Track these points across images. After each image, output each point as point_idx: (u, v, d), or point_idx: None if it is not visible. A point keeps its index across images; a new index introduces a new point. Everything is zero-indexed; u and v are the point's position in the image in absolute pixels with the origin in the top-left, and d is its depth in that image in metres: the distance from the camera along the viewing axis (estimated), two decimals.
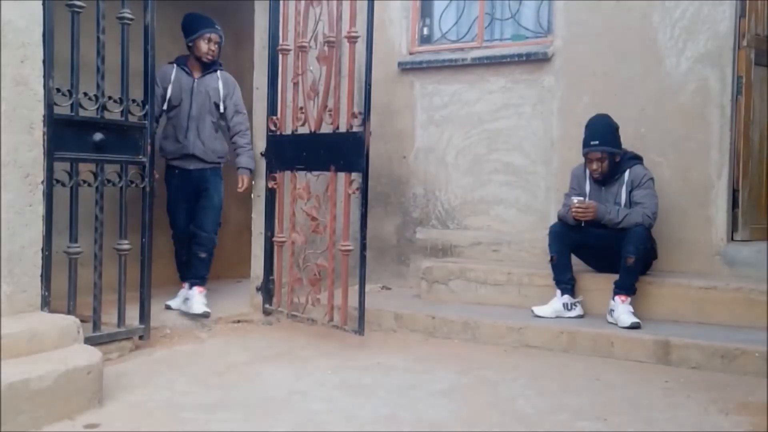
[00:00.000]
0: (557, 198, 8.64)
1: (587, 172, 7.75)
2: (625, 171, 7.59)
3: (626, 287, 7.28)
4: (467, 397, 5.67)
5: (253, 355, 6.84)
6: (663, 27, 8.10)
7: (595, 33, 8.44)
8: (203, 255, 8.16)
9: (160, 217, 7.88)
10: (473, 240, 9.23)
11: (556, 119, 8.75)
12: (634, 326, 6.99)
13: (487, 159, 9.15)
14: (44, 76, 5.59)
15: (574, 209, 7.42)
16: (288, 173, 7.73)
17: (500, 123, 9.06)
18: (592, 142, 7.55)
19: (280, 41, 7.81)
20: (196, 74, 8.15)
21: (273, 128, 7.93)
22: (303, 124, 7.49)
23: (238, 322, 7.70)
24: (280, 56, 7.75)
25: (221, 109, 8.16)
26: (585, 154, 7.64)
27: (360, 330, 7.13)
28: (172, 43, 8.97)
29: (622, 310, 7.16)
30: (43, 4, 5.56)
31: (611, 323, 7.23)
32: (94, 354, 5.31)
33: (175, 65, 8.10)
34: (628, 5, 8.31)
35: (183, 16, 8.19)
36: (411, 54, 9.70)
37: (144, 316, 6.81)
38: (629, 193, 7.55)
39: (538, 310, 7.58)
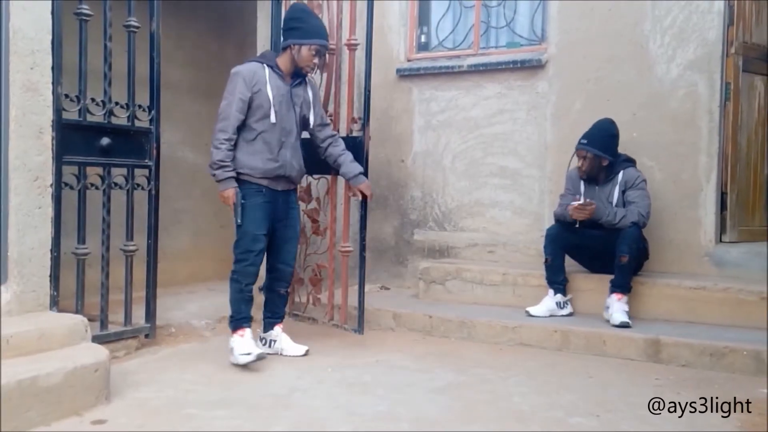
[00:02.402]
0: (551, 200, 8.65)
1: (582, 185, 7.81)
2: (618, 172, 7.63)
3: (621, 285, 7.29)
4: (464, 394, 5.66)
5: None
6: (653, 35, 8.09)
7: (588, 40, 8.43)
8: (284, 291, 7.05)
9: (166, 218, 7.85)
10: (469, 241, 9.23)
11: (550, 124, 8.74)
12: (623, 325, 7.01)
13: (483, 163, 9.14)
14: (53, 83, 5.61)
15: (573, 209, 7.43)
16: None
17: (496, 128, 9.05)
18: (581, 140, 7.63)
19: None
20: (288, 80, 6.78)
21: None
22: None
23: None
24: None
25: (310, 124, 6.94)
26: (576, 150, 7.72)
27: (359, 329, 7.15)
28: (177, 49, 8.99)
29: (616, 308, 7.17)
30: (52, 13, 5.57)
31: (606, 320, 7.25)
32: (101, 352, 5.31)
33: (265, 65, 6.64)
34: (619, 14, 8.30)
35: (292, 7, 7.04)
36: (409, 61, 9.70)
37: (150, 315, 6.82)
38: (622, 193, 7.58)
39: (533, 309, 7.60)
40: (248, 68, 6.55)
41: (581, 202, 7.48)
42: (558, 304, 7.59)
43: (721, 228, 8.01)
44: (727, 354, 6.43)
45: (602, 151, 7.58)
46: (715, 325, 7.12)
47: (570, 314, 7.60)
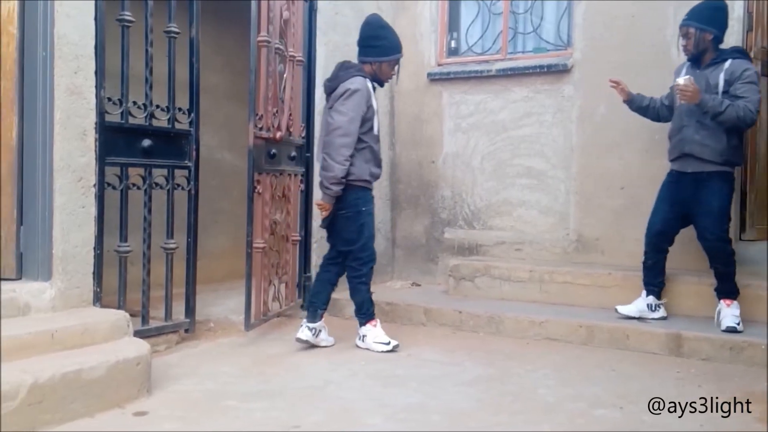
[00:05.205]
0: (576, 200, 8.66)
1: (685, 66, 7.28)
2: (726, 60, 6.94)
3: (725, 292, 7.00)
4: (492, 387, 5.64)
5: (291, 347, 6.82)
6: (675, 40, 7.96)
7: (612, 46, 8.37)
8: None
9: (205, 218, 7.85)
10: (497, 239, 9.18)
11: (575, 126, 8.68)
12: (729, 330, 6.72)
13: (511, 164, 9.09)
14: (96, 86, 5.62)
15: (678, 88, 6.81)
16: None
17: (523, 130, 9.00)
18: (683, 18, 7.10)
19: (258, 36, 7.10)
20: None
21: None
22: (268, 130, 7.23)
23: (278, 316, 7.65)
24: (261, 56, 7.07)
25: (375, 130, 6.93)
26: (679, 29, 7.21)
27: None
28: (215, 54, 9.02)
29: (725, 314, 6.89)
30: (95, 19, 5.59)
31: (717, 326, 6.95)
32: (142, 346, 5.31)
33: (367, 80, 6.82)
34: (642, 20, 8.26)
35: (369, 24, 7.02)
36: (439, 65, 9.66)
37: (189, 310, 6.80)
38: (727, 83, 6.87)
39: (622, 308, 7.35)
40: (364, 85, 6.69)
41: (684, 81, 6.76)
42: (649, 306, 7.30)
43: (741, 227, 7.95)
44: (747, 348, 6.39)
45: (705, 24, 6.94)
46: None
47: (662, 318, 7.27)
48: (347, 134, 6.52)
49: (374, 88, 6.86)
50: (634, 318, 7.23)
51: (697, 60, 7.10)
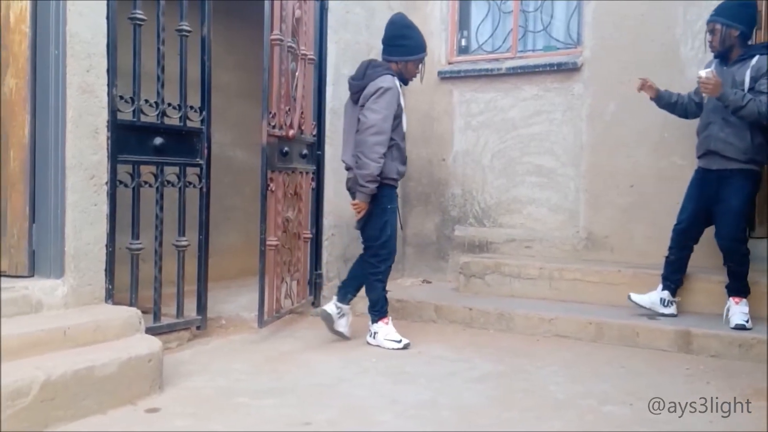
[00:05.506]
0: (586, 198, 8.67)
1: (713, 63, 7.16)
2: (754, 56, 6.85)
3: (736, 289, 6.99)
4: (502, 383, 5.65)
5: (303, 344, 6.85)
6: (685, 39, 8.02)
7: (622, 44, 8.36)
8: None
9: (216, 215, 7.85)
10: (507, 237, 9.18)
11: (585, 124, 8.68)
12: (738, 327, 6.71)
13: (521, 162, 9.10)
14: (108, 85, 5.63)
15: (700, 81, 6.73)
16: None
17: (533, 128, 9.01)
18: (711, 14, 7.04)
19: (271, 35, 7.10)
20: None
21: None
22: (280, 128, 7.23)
23: (290, 313, 7.66)
24: (274, 54, 7.06)
25: (404, 128, 7.01)
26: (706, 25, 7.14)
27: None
28: (227, 53, 9.02)
29: (734, 311, 6.89)
30: (107, 18, 5.60)
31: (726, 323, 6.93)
32: (154, 343, 5.33)
33: (395, 78, 6.84)
34: (652, 18, 8.25)
35: (394, 24, 7.03)
36: (450, 64, 9.66)
37: (201, 307, 6.81)
38: (753, 80, 6.78)
39: (636, 297, 7.35)
40: (394, 83, 6.73)
41: (705, 73, 6.69)
42: (662, 300, 7.27)
43: (750, 225, 7.93)
44: (755, 345, 6.40)
45: (731, 20, 6.86)
46: None
47: (672, 315, 7.24)
48: (381, 132, 6.56)
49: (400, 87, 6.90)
50: (644, 308, 7.25)
51: (724, 57, 7.03)
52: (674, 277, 7.32)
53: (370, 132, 6.56)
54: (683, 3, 8.06)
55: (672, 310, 7.26)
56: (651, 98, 7.44)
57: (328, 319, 6.94)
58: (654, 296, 7.31)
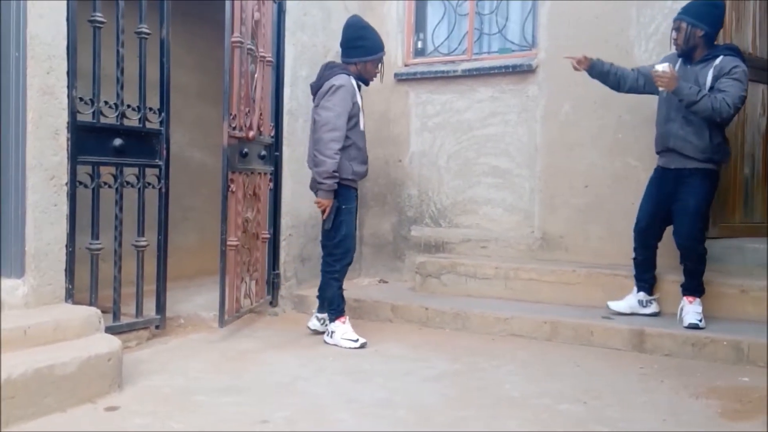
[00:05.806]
0: (541, 199, 8.72)
1: (678, 62, 7.12)
2: (717, 57, 6.86)
3: (691, 289, 7.04)
4: (458, 382, 5.69)
5: (261, 343, 6.87)
6: (638, 41, 8.09)
7: (576, 46, 8.35)
8: None
9: (175, 216, 7.86)
10: (463, 237, 9.23)
11: (540, 126, 8.73)
12: (691, 327, 6.76)
13: (476, 163, 9.14)
14: (68, 86, 5.65)
15: (656, 75, 6.77)
16: None
17: (488, 129, 9.04)
18: (678, 12, 7.04)
19: (232, 37, 7.09)
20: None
21: None
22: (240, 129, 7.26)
23: (249, 312, 7.67)
24: (235, 57, 7.08)
25: (361, 127, 7.05)
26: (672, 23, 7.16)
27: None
28: (186, 55, 9.00)
29: (688, 310, 6.93)
30: (68, 20, 5.62)
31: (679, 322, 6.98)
32: (114, 342, 5.34)
33: (351, 77, 6.92)
34: (606, 20, 8.31)
35: (351, 26, 7.11)
36: (406, 66, 9.69)
37: (160, 307, 6.83)
38: (715, 79, 6.80)
39: (613, 304, 7.37)
40: (348, 81, 6.81)
41: (662, 67, 6.70)
42: (640, 302, 7.32)
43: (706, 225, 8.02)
44: (708, 344, 6.45)
45: (696, 20, 6.86)
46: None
47: (654, 314, 7.30)
48: (335, 129, 6.62)
49: (359, 87, 6.96)
50: (625, 314, 7.26)
51: (688, 56, 7.06)
52: (645, 276, 7.36)
53: (324, 129, 6.63)
54: (636, 4, 8.15)
55: (653, 308, 7.31)
56: (584, 69, 7.42)
57: (317, 334, 7.14)
58: (631, 300, 7.35)
